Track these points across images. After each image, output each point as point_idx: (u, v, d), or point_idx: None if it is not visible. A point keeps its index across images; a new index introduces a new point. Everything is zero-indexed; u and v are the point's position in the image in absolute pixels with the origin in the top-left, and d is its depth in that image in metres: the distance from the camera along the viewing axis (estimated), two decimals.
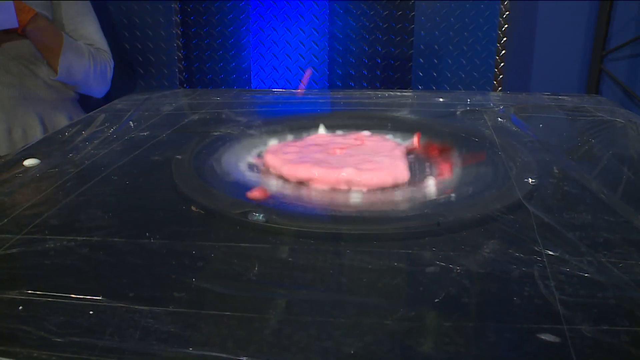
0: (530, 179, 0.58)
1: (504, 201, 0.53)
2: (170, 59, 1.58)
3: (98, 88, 1.34)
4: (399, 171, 0.63)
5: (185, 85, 1.65)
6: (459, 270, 0.42)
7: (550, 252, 0.44)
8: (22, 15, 1.12)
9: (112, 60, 1.35)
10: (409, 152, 0.72)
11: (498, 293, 0.40)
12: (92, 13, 1.33)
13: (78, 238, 0.48)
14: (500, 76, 1.51)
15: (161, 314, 0.37)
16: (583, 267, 0.42)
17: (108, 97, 1.48)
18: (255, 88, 1.68)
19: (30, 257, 0.45)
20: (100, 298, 0.39)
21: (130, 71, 1.59)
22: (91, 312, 0.37)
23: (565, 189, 0.58)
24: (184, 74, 1.63)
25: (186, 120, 0.87)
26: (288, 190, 0.61)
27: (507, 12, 1.46)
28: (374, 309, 0.38)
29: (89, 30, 1.30)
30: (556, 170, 0.63)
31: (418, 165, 0.68)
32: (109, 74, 1.34)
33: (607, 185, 0.58)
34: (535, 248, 0.45)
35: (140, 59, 1.58)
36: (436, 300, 0.38)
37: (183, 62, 1.62)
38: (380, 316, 0.37)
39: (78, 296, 0.39)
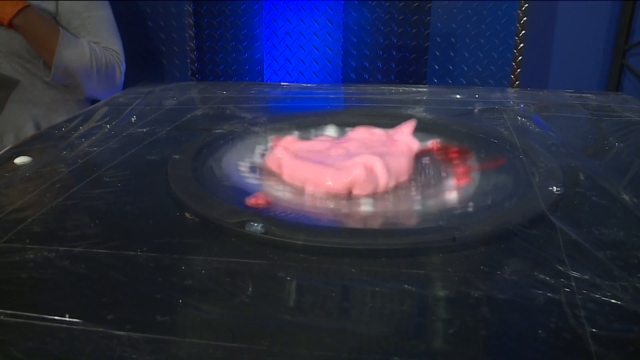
0: (555, 188, 0.54)
1: (526, 213, 0.48)
2: (182, 50, 1.55)
3: (104, 91, 1.20)
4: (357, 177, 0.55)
5: (197, 76, 1.61)
6: (476, 296, 0.37)
7: (578, 275, 0.39)
8: (7, 8, 1.02)
9: (123, 64, 1.22)
10: (423, 153, 0.67)
11: (520, 324, 0.35)
12: (105, 9, 1.20)
13: (60, 248, 0.44)
14: (518, 70, 1.46)
15: (141, 341, 0.33)
16: (616, 294, 0.37)
17: None
18: (267, 80, 1.64)
19: (5, 269, 0.41)
20: (75, 320, 0.35)
21: (142, 62, 1.56)
22: (63, 337, 0.33)
23: (594, 199, 0.53)
24: (196, 64, 1.60)
25: (188, 115, 0.83)
26: (292, 197, 0.56)
27: (526, 5, 1.41)
28: (379, 342, 0.33)
29: (97, 27, 1.17)
30: (583, 178, 0.58)
31: (433, 170, 0.64)
32: (118, 77, 1.21)
33: (639, 195, 0.53)
34: (562, 269, 0.40)
35: (152, 49, 1.55)
36: (450, 332, 0.34)
37: (195, 53, 1.59)
38: (386, 351, 0.32)
39: (51, 317, 0.35)
